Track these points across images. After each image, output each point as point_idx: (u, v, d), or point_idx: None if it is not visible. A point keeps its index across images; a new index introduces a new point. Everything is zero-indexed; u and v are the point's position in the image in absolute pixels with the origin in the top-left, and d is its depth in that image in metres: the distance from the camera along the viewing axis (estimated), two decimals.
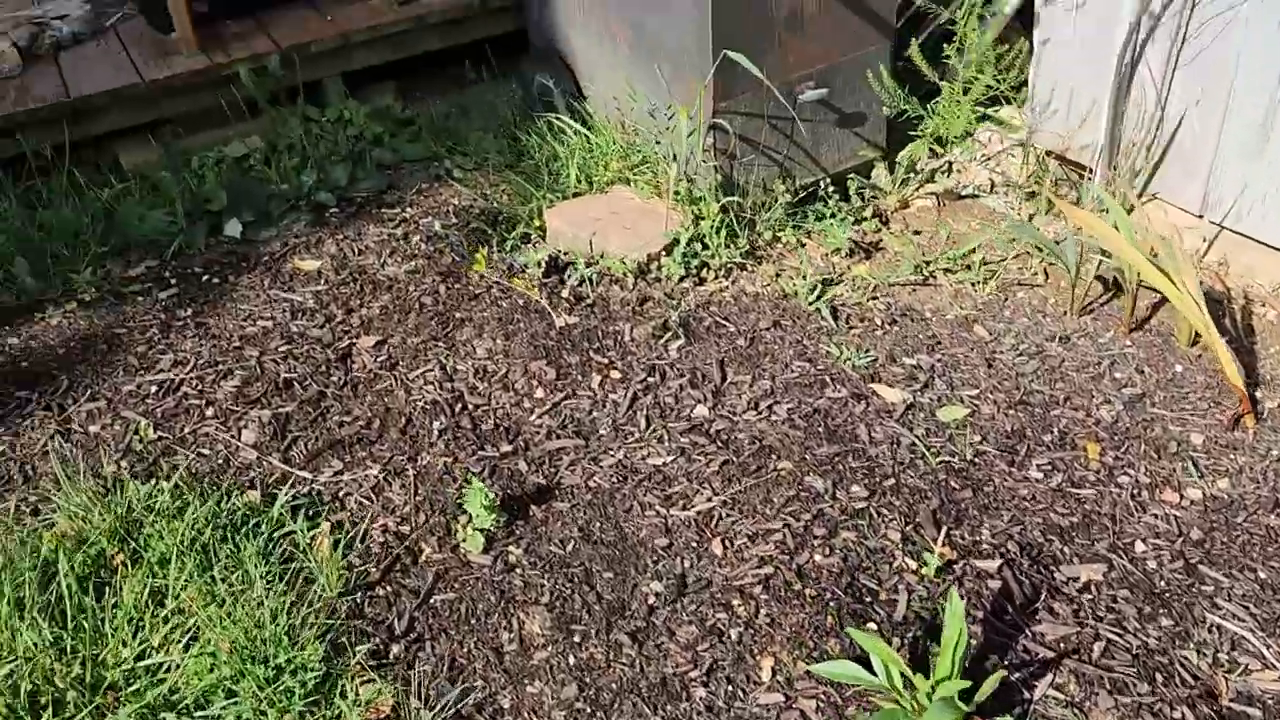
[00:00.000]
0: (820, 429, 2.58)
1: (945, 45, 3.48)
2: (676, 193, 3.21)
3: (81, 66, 3.92)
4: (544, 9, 3.84)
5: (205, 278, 3.36)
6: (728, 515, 2.36)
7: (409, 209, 3.64)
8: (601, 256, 3.23)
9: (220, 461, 2.60)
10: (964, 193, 3.62)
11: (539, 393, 2.75)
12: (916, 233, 3.39)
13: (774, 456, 2.50)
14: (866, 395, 2.67)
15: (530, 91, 3.98)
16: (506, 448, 2.59)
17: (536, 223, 3.42)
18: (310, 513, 2.44)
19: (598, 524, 2.37)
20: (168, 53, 3.96)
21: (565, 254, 3.29)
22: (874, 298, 3.06)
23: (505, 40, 4.41)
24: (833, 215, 3.38)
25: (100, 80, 3.77)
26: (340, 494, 2.49)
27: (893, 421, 2.59)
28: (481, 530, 2.33)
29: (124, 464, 2.60)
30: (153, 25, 4.17)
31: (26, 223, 3.40)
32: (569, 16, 3.70)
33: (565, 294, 3.10)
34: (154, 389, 2.84)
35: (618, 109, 3.60)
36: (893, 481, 2.42)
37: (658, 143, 3.44)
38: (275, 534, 2.36)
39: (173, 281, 3.35)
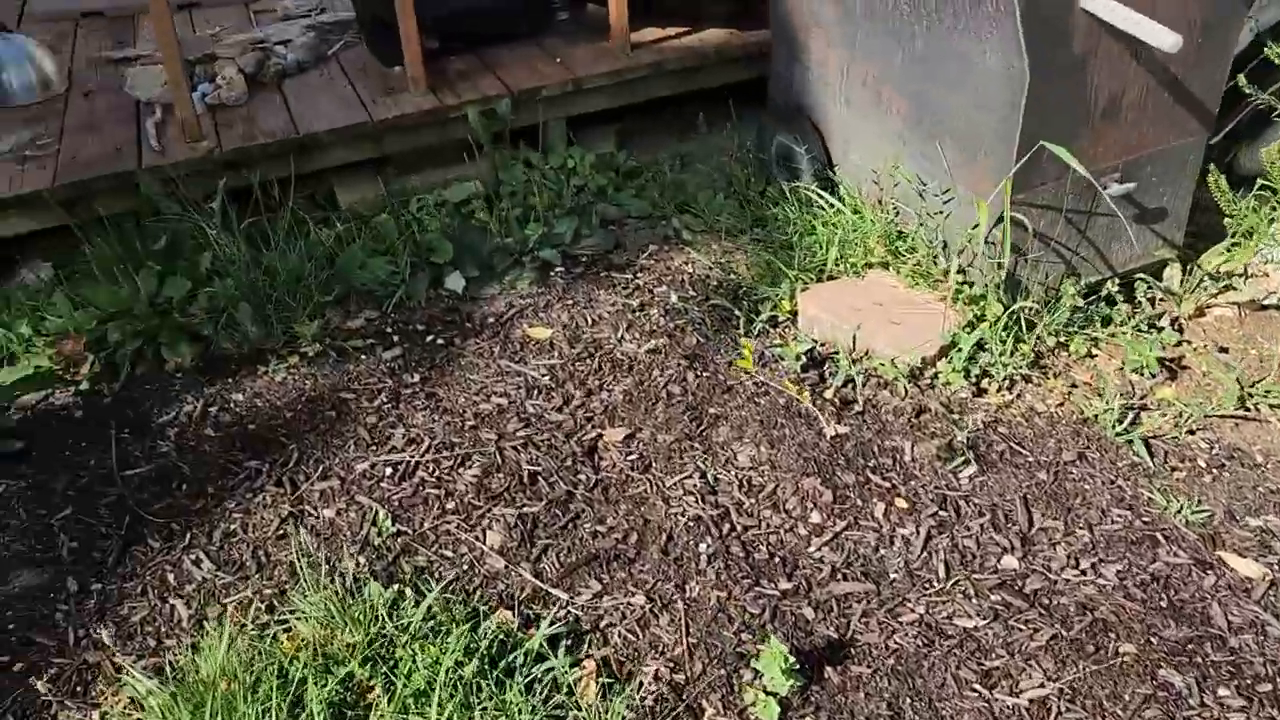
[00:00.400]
0: (1162, 603, 2.17)
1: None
2: (959, 291, 2.84)
3: (306, 98, 3.76)
4: (795, 66, 3.51)
5: (429, 338, 3.12)
6: (1068, 710, 1.97)
7: (640, 274, 3.34)
8: (866, 354, 2.87)
9: (465, 567, 2.34)
10: (1267, 302, 3.15)
11: (814, 517, 2.41)
12: (1222, 350, 2.94)
13: (1111, 635, 2.10)
14: (1211, 564, 2.25)
15: (768, 151, 3.65)
16: (786, 585, 2.25)
17: (786, 305, 3.08)
18: (570, 642, 2.15)
19: (908, 700, 2.01)
20: (393, 88, 3.77)
21: (823, 345, 2.95)
22: (1190, 431, 2.63)
23: (736, 89, 4.11)
24: (1123, 322, 2.96)
25: (328, 116, 3.59)
26: (602, 623, 2.20)
27: (1252, 603, 2.16)
28: (775, 695, 2.00)
29: (362, 559, 2.35)
30: (376, 57, 3.99)
31: (252, 265, 3.23)
32: (826, 77, 3.35)
33: (829, 395, 2.75)
34: (388, 471, 2.59)
35: (876, 184, 3.24)
36: (1269, 687, 1.99)
37: (923, 226, 3.07)
38: (535, 669, 2.08)
39: (395, 339, 3.13)
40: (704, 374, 2.87)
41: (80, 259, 3.57)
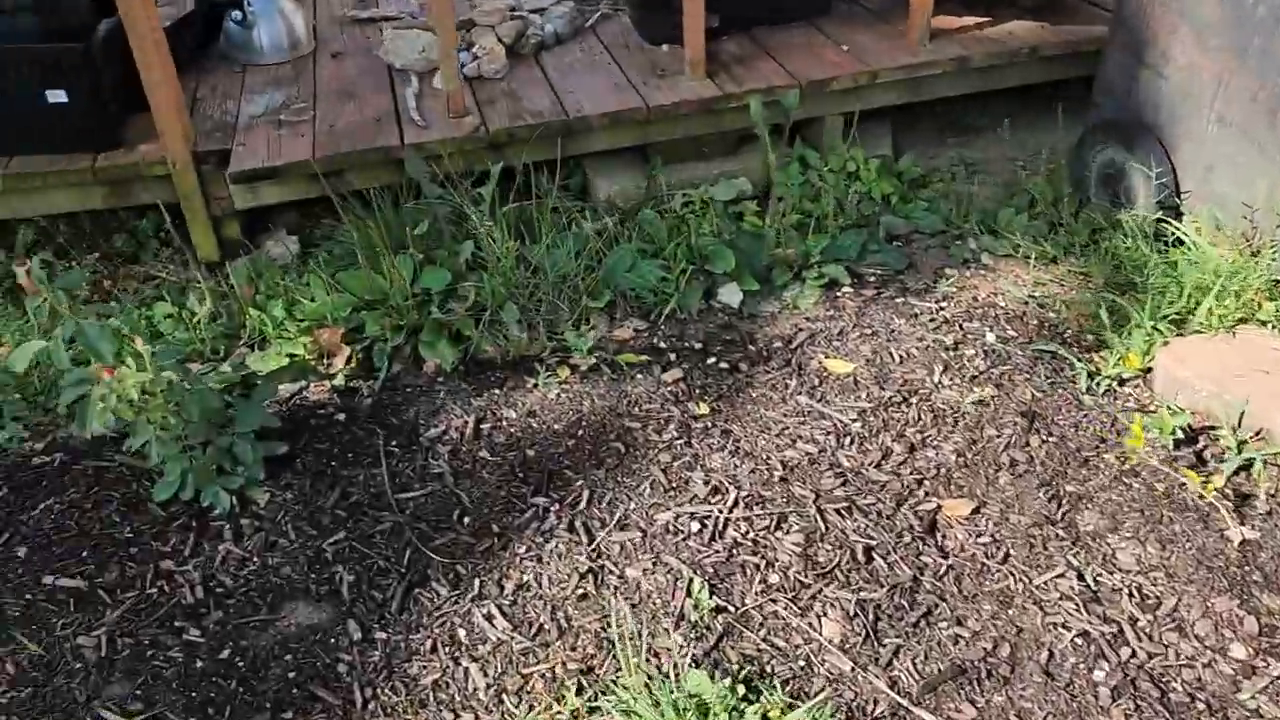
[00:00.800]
0: None
1: None
2: None
3: (569, 75, 3.36)
4: (1140, 71, 2.89)
5: (710, 360, 2.70)
6: None
7: (943, 304, 2.85)
8: (1259, 434, 2.33)
9: (801, 664, 1.92)
10: None
11: (1237, 651, 1.91)
12: None
13: None
14: None
15: (1088, 166, 3.08)
16: None
17: (1134, 360, 2.56)
18: None
19: None
20: (663, 70, 3.33)
21: (1193, 415, 2.42)
22: None
23: (1034, 91, 3.55)
24: None
25: (597, 98, 3.18)
26: None
27: None
28: None
29: (679, 638, 1.96)
30: (641, 33, 3.57)
31: (516, 260, 2.88)
32: (1191, 88, 2.73)
33: (1219, 484, 2.24)
34: (695, 526, 2.20)
35: (1248, 220, 2.67)
36: None
37: None
38: None
39: (671, 357, 2.72)
40: (1049, 439, 2.37)
41: (323, 234, 3.29)
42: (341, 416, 2.53)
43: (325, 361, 2.75)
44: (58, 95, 2.90)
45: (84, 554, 2.18)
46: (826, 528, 2.17)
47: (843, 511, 2.20)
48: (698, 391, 2.58)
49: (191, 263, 3.10)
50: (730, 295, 2.92)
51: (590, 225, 3.04)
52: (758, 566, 2.09)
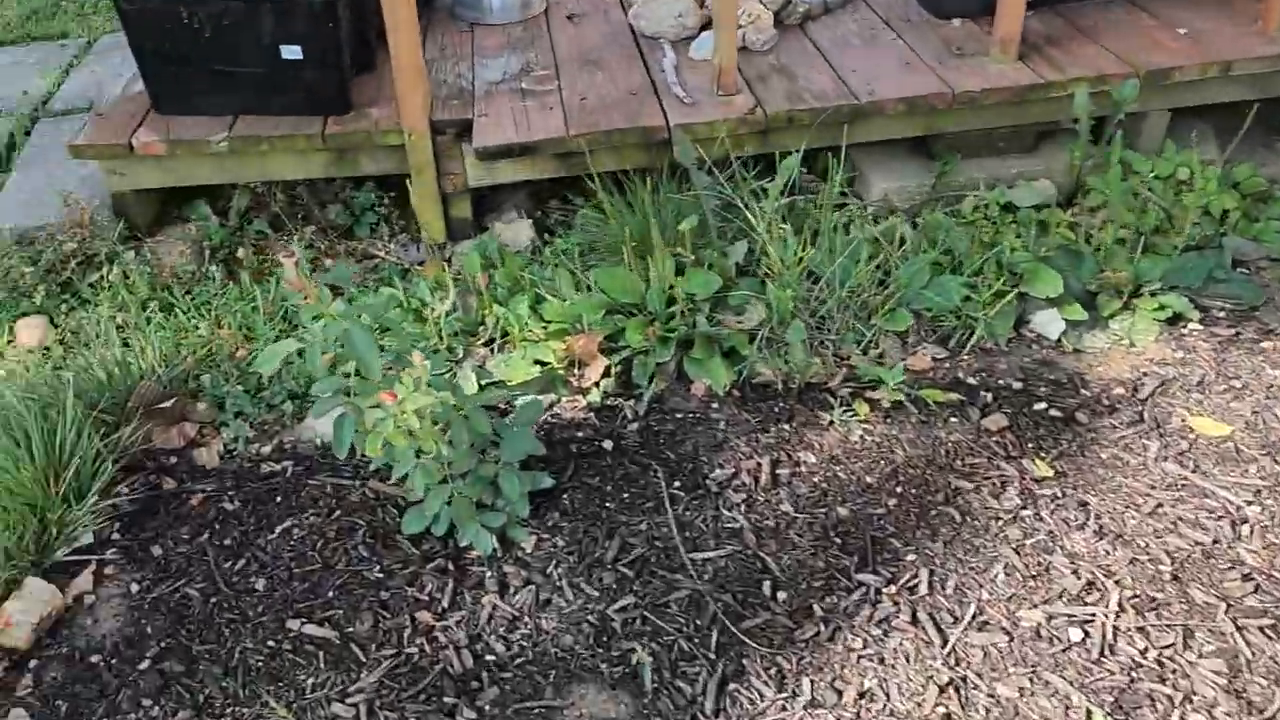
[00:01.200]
0: None
1: None
2: None
3: (847, 52, 2.85)
4: None
5: (1037, 405, 2.20)
6: None
7: None
8: None
9: None
10: None
11: None
12: None
13: None
14: None
15: None
16: None
17: None
18: None
19: None
20: (959, 48, 2.79)
21: None
22: None
23: None
24: None
25: (887, 79, 2.67)
26: None
27: None
28: None
29: None
30: (924, 4, 3.04)
31: (795, 268, 2.44)
32: None
33: None
34: (1074, 633, 1.70)
35: None
36: None
37: None
38: None
39: (987, 397, 2.23)
40: None
41: (559, 219, 2.91)
42: (608, 444, 2.13)
43: (577, 372, 2.37)
44: (293, 51, 2.58)
45: (330, 594, 1.85)
46: (1252, 652, 1.68)
47: (1268, 631, 1.70)
48: (1030, 446, 2.09)
49: (425, 243, 2.75)
50: (1049, 324, 2.41)
51: (870, 229, 2.57)
52: (1171, 700, 1.61)
